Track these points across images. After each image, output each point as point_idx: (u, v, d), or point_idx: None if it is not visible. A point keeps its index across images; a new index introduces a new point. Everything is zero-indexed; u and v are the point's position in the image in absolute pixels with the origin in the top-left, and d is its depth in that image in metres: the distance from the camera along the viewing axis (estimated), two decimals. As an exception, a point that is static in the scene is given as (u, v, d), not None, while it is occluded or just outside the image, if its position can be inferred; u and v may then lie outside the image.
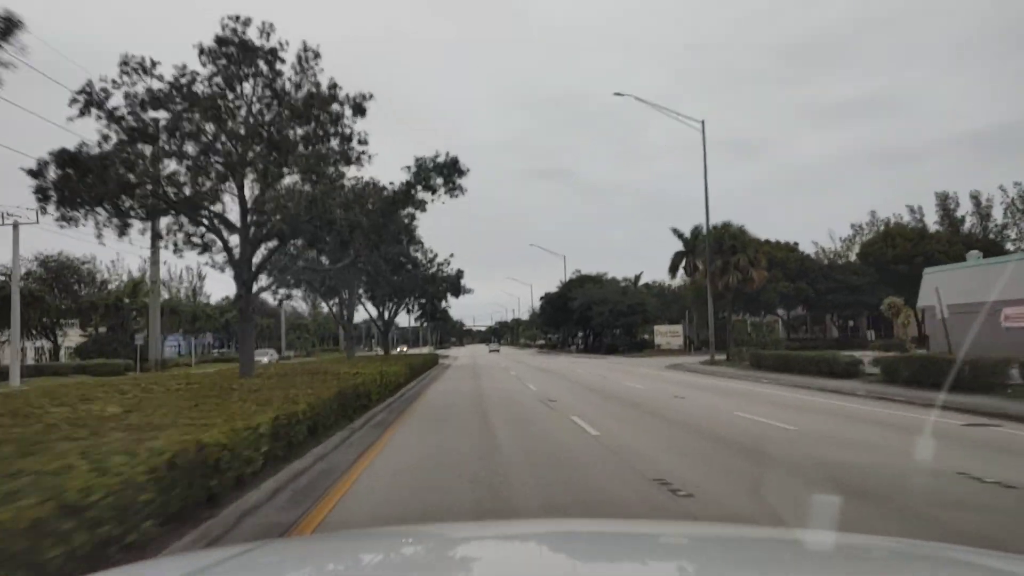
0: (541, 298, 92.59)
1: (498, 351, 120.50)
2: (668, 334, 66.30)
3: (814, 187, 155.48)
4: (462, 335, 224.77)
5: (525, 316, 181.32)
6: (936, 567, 1.92)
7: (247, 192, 16.81)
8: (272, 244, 18.13)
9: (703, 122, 36.92)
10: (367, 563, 2.16)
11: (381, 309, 43.73)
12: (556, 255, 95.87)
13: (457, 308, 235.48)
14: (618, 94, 36.81)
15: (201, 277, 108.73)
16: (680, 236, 74.26)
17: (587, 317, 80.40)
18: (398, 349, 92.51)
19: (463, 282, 43.57)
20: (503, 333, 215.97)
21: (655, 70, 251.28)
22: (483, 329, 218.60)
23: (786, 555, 2.03)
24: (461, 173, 19.29)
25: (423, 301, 45.32)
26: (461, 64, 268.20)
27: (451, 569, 2.09)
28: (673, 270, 73.68)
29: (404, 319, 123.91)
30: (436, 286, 41.84)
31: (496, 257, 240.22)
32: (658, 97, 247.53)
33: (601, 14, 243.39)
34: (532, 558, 2.26)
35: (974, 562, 1.95)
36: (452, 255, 43.17)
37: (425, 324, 71.99)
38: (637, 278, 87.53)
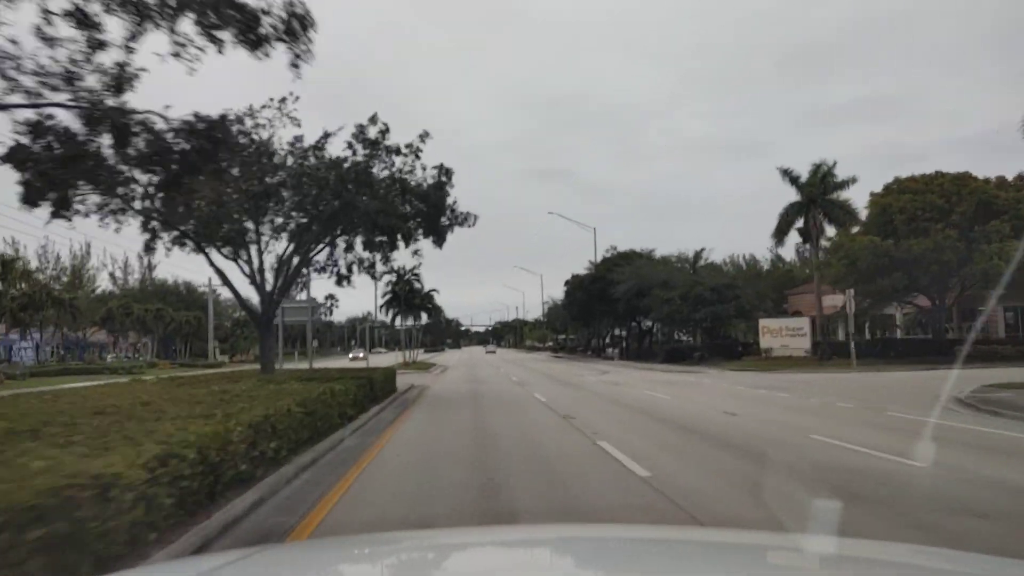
0: (566, 283, 67.73)
1: (494, 352, 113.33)
2: (784, 333, 41.52)
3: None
4: (458, 336, 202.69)
5: (532, 315, 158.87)
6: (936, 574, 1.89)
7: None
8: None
9: None
10: (367, 569, 2.17)
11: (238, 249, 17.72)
12: (585, 227, 70.84)
13: (454, 308, 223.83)
14: None
15: (151, 261, 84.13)
16: (794, 181, 49.12)
17: (637, 308, 55.66)
18: (351, 356, 67.67)
19: (452, 199, 18.05)
20: (504, 334, 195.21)
21: (656, 71, 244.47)
22: (482, 330, 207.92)
23: (788, 560, 2.00)
24: None
25: (361, 239, 19.23)
26: (462, 64, 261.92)
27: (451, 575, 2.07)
28: (781, 233, 49.01)
29: (382, 311, 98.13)
30: (388, 199, 16.33)
31: (496, 257, 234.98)
32: (661, 98, 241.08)
33: (602, 15, 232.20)
34: (531, 564, 2.23)
35: (972, 570, 1.93)
36: (426, 134, 18.27)
37: (396, 314, 46.89)
38: (697, 255, 62.39)
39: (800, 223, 45.13)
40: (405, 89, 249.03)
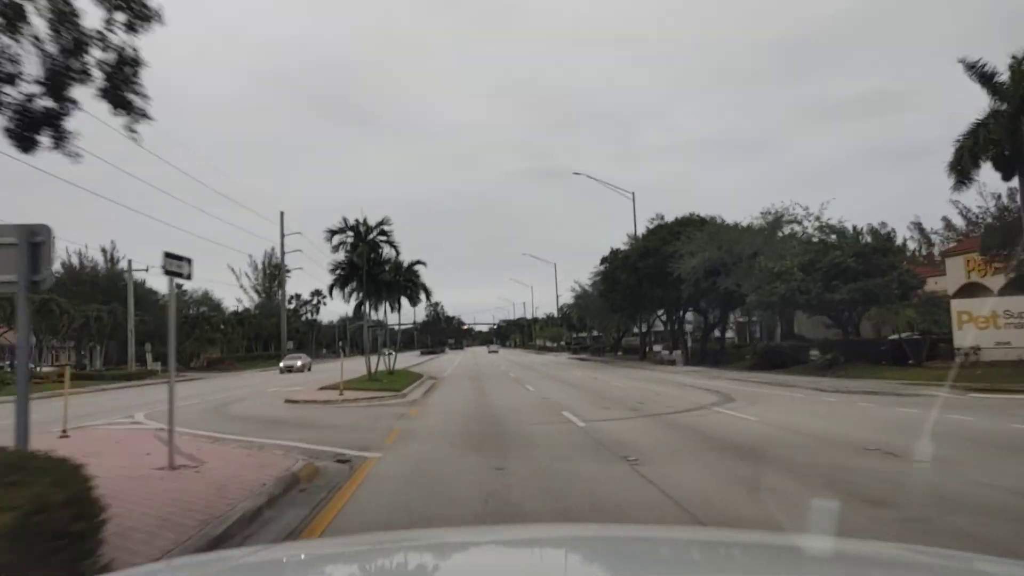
0: (604, 260, 51.10)
1: (497, 352, 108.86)
2: (1002, 321, 24.92)
3: (818, 185, 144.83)
4: (461, 335, 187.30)
5: (543, 312, 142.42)
6: (934, 573, 1.87)
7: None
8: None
9: None
10: (372, 568, 2.15)
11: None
12: (622, 192, 54.08)
13: (456, 309, 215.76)
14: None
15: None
16: (987, 80, 32.20)
17: (707, 291, 39.25)
18: (282, 365, 50.32)
19: None
20: (509, 333, 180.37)
21: (657, 69, 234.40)
22: (485, 329, 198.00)
23: (790, 560, 1.95)
24: None
25: None
26: (461, 63, 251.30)
27: (457, 575, 2.04)
28: (969, 165, 32.02)
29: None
30: None
31: (499, 257, 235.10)
32: (661, 96, 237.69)
33: (602, 13, 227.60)
34: (534, 563, 2.18)
35: (973, 568, 1.92)
36: None
37: (361, 301, 30.28)
38: (778, 219, 45.37)
39: (990, 147, 28.46)
40: (405, 88, 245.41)
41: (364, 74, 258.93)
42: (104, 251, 69.97)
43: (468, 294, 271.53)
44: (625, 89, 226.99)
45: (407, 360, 79.33)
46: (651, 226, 51.46)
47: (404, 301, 32.13)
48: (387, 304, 30.29)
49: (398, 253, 27.23)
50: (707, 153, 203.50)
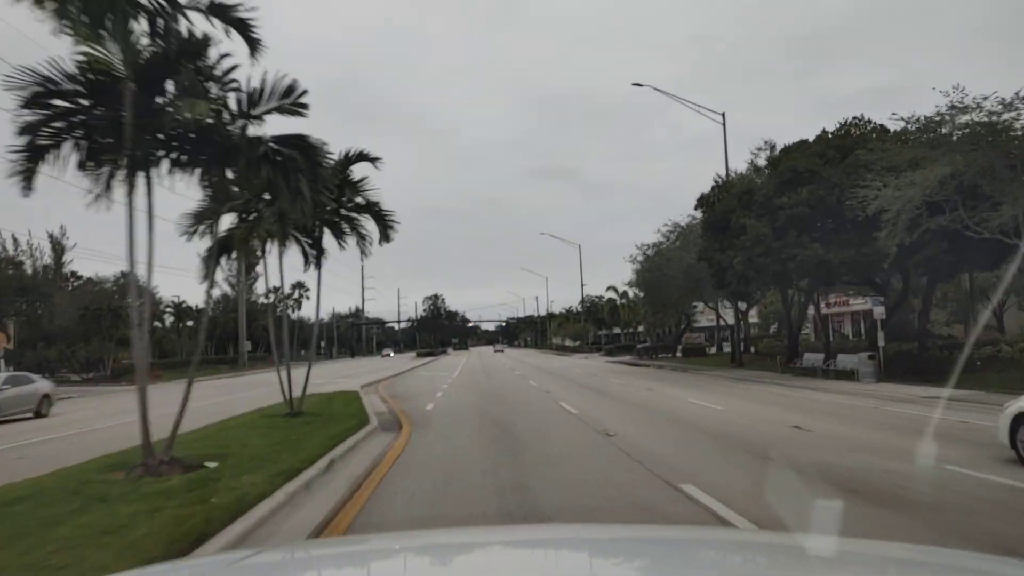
0: (700, 201, 31.55)
1: (503, 351, 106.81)
2: None
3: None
4: (466, 334, 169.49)
5: (560, 307, 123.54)
6: (940, 573, 1.83)
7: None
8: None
9: None
10: (376, 569, 2.09)
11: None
12: (709, 114, 34.71)
13: (460, 305, 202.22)
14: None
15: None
16: None
17: (930, 241, 20.31)
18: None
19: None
20: (519, 331, 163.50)
21: (661, 64, 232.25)
22: (492, 328, 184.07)
23: (794, 560, 1.91)
24: None
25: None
26: (463, 64, 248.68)
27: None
28: None
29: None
30: None
31: (504, 257, 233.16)
32: (667, 91, 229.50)
33: (604, 10, 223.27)
34: (538, 564, 2.13)
35: (979, 568, 1.86)
36: None
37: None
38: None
39: None
40: (408, 87, 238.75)
41: (367, 70, 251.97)
42: (51, 237, 57.83)
43: (474, 293, 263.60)
44: (628, 86, 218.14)
45: (397, 365, 58.85)
46: (756, 160, 32.45)
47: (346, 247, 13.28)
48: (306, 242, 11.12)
49: (253, 50, 8.05)
50: (710, 149, 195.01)
